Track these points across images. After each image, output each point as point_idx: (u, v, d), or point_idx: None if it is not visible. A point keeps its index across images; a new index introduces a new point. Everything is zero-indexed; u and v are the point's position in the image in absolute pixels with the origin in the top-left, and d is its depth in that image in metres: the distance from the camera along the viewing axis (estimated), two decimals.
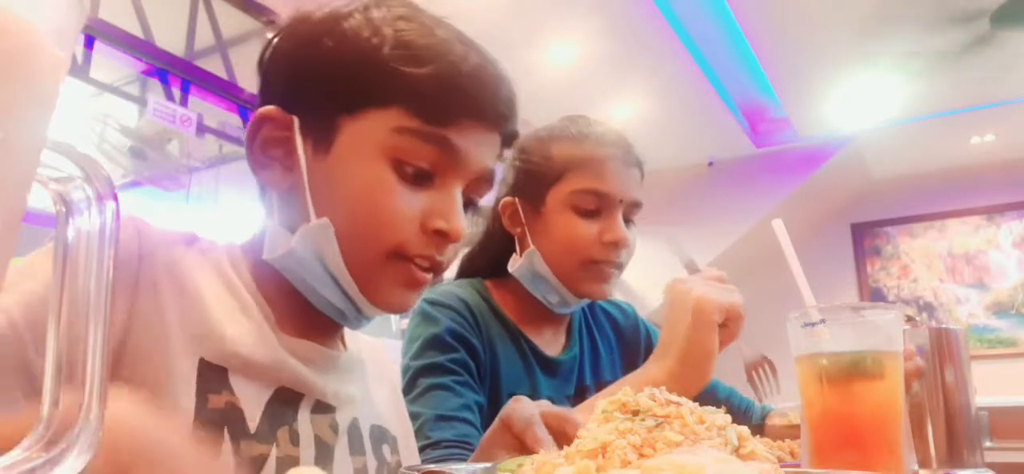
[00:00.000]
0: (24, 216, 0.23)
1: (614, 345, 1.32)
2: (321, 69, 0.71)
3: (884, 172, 5.54)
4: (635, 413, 0.49)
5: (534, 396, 0.88)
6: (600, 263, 1.15)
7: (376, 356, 0.89)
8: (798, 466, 0.69)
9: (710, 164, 5.29)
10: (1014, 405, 4.19)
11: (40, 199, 0.27)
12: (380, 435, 0.82)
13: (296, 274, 0.72)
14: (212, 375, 0.64)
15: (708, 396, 1.35)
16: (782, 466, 0.56)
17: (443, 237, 0.71)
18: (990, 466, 0.79)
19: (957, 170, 5.40)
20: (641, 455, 0.45)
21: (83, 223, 0.27)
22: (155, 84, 2.72)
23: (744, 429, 0.51)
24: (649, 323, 1.39)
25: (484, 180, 0.76)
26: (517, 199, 1.21)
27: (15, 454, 0.25)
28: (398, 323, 3.80)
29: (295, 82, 0.72)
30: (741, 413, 1.35)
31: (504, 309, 1.22)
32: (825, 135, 4.92)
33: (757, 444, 0.50)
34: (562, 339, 1.26)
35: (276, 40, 0.75)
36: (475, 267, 1.29)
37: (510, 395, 0.84)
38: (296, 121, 0.71)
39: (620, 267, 1.18)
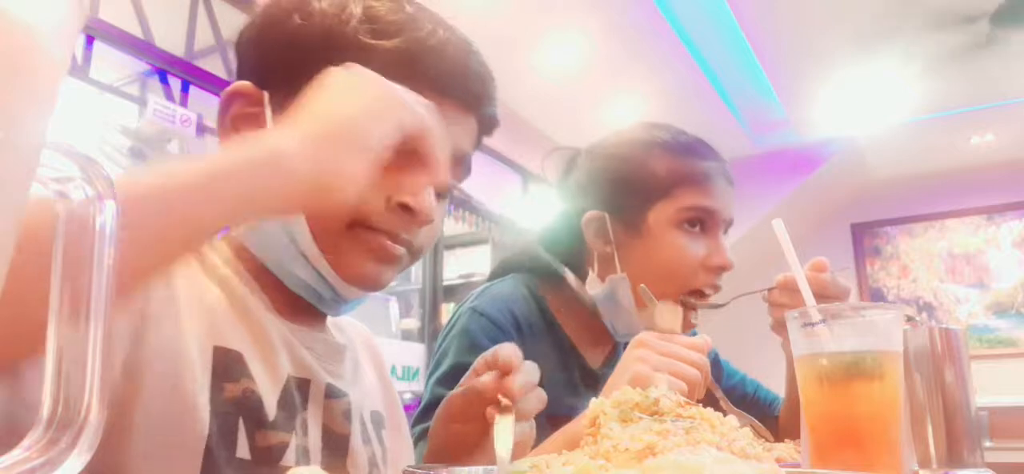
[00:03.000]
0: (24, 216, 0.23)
1: None
2: (289, 45, 0.70)
3: (884, 172, 5.54)
4: (654, 413, 0.49)
5: (575, 410, 0.86)
6: (700, 291, 1.06)
7: (362, 339, 0.88)
8: (798, 466, 0.69)
9: None
10: (1014, 405, 4.19)
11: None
12: (379, 420, 0.81)
13: (268, 254, 0.71)
14: (229, 361, 0.64)
15: (736, 389, 1.34)
16: (782, 466, 0.56)
17: (410, 214, 0.68)
18: (990, 466, 0.79)
19: (957, 170, 5.40)
20: None
21: (83, 223, 0.27)
22: (155, 84, 2.72)
23: (747, 431, 0.51)
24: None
25: (457, 164, 0.73)
26: (608, 216, 1.10)
27: (15, 454, 0.25)
28: (398, 323, 3.79)
29: (265, 58, 0.72)
30: (767, 405, 1.33)
31: (557, 316, 1.13)
32: (825, 135, 4.92)
33: (758, 449, 0.50)
34: (607, 350, 1.20)
35: (251, 22, 0.75)
36: (531, 265, 1.18)
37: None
38: (266, 96, 0.70)
39: (718, 292, 1.08)
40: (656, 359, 0.84)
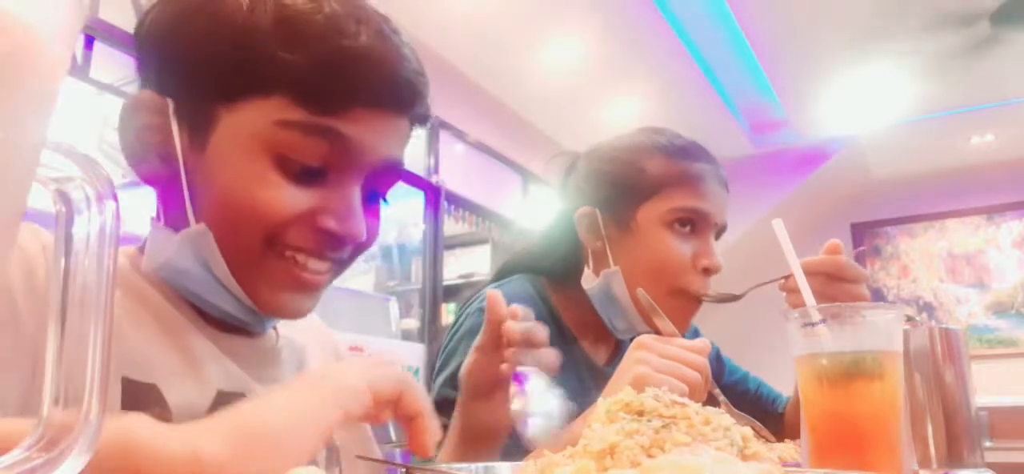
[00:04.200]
0: (24, 216, 0.23)
1: None
2: (194, 51, 0.62)
3: (884, 172, 5.53)
4: (640, 413, 0.49)
5: (583, 407, 0.87)
6: (688, 292, 1.07)
7: (312, 332, 0.82)
8: (799, 466, 0.69)
9: None
10: (1014, 405, 4.19)
11: (40, 199, 0.26)
12: None
13: (181, 286, 0.65)
14: (140, 393, 0.58)
15: (737, 386, 1.34)
16: (783, 466, 0.56)
17: (335, 238, 0.64)
18: (990, 466, 0.79)
19: (957, 170, 5.40)
20: (649, 456, 0.45)
21: (83, 223, 0.27)
22: None
23: (747, 430, 0.51)
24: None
25: (390, 171, 0.67)
26: (598, 211, 1.11)
27: (15, 454, 0.25)
28: (398, 323, 3.79)
29: (167, 64, 0.64)
30: (769, 402, 1.34)
31: (563, 315, 1.14)
32: (825, 135, 4.92)
33: (761, 446, 0.50)
34: (611, 348, 1.20)
35: (151, 13, 0.65)
36: (534, 265, 1.20)
37: None
38: (170, 105, 0.63)
39: (707, 295, 1.09)
40: (657, 361, 0.85)
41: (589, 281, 1.11)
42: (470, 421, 0.84)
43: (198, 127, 0.62)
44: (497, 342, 0.79)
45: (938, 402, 0.78)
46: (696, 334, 1.28)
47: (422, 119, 0.69)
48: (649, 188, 1.08)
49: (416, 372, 3.47)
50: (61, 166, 0.26)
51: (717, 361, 1.34)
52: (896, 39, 3.78)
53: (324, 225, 0.63)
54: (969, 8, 3.53)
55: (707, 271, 1.07)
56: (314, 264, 0.64)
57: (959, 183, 5.43)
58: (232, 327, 0.68)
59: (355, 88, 0.62)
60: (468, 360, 0.83)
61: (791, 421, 1.23)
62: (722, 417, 0.50)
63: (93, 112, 2.55)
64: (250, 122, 0.61)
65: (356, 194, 0.65)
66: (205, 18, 0.62)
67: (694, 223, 1.07)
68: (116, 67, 2.70)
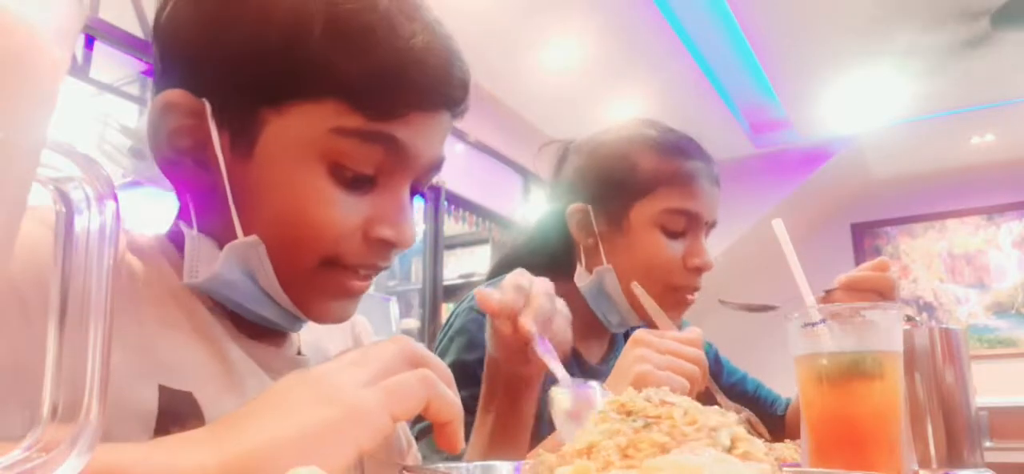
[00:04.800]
0: (24, 216, 0.23)
1: None
2: (237, 50, 0.58)
3: (884, 172, 5.53)
4: (629, 413, 0.49)
5: None
6: (680, 289, 1.08)
7: (339, 334, 0.80)
8: (798, 466, 0.69)
9: None
10: (1014, 405, 4.19)
11: (40, 199, 0.26)
12: None
13: (224, 296, 0.62)
14: (176, 400, 0.56)
15: (736, 387, 1.34)
16: (782, 466, 0.56)
17: (390, 246, 0.62)
18: (990, 466, 0.79)
19: (957, 170, 5.40)
20: (626, 456, 0.45)
21: (83, 223, 0.27)
22: None
23: (740, 430, 0.50)
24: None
25: (433, 169, 0.66)
26: (591, 208, 1.11)
27: (15, 454, 0.25)
28: (398, 323, 3.79)
29: (205, 62, 0.59)
30: (768, 404, 1.34)
31: None
32: (825, 135, 4.92)
33: (754, 444, 0.49)
34: (604, 346, 1.21)
35: (171, 4, 0.61)
36: (527, 262, 1.21)
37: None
38: (207, 107, 0.58)
39: (697, 291, 1.10)
40: (657, 359, 0.85)
41: (582, 278, 1.12)
42: (511, 380, 0.82)
43: (241, 132, 0.58)
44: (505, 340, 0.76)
45: (938, 402, 0.79)
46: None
47: (464, 112, 0.67)
48: (642, 187, 1.08)
49: None
50: (61, 166, 0.26)
51: (716, 362, 1.35)
52: (896, 39, 3.78)
53: (379, 235, 0.61)
54: (969, 8, 3.53)
55: (698, 269, 1.08)
56: (366, 274, 0.63)
57: (959, 183, 5.43)
58: (260, 335, 0.66)
59: (413, 93, 0.59)
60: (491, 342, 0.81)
61: (792, 423, 1.23)
62: (709, 417, 0.50)
63: (93, 112, 2.55)
64: (302, 129, 0.57)
65: (407, 197, 0.63)
66: (249, 16, 0.58)
67: (686, 223, 1.08)
68: (116, 67, 2.70)
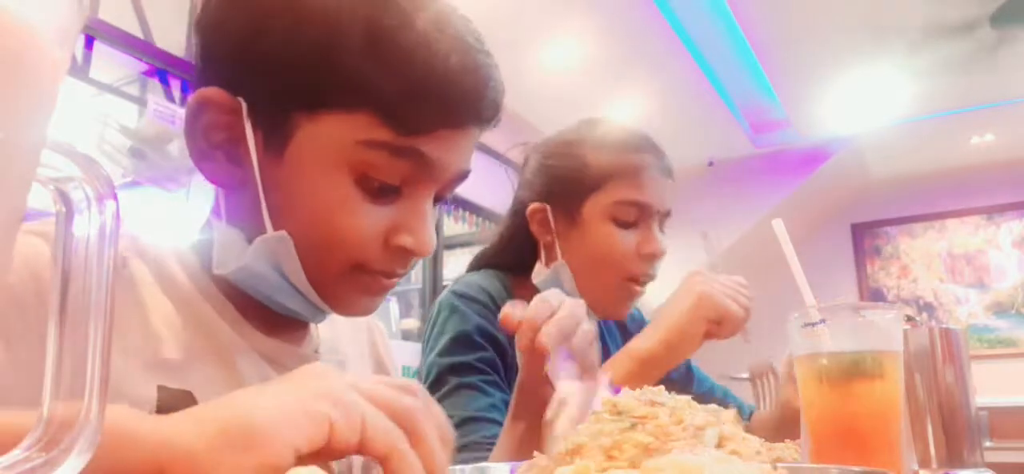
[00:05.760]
0: (24, 216, 0.23)
1: (622, 345, 1.32)
2: (275, 54, 0.59)
3: (884, 172, 5.54)
4: (620, 413, 0.49)
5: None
6: (636, 277, 1.12)
7: (354, 335, 0.82)
8: (798, 466, 0.69)
9: (710, 164, 5.29)
10: (1014, 405, 4.19)
11: (40, 199, 0.27)
12: None
13: (250, 286, 0.64)
14: (176, 402, 0.56)
15: (705, 397, 1.35)
16: (782, 466, 0.56)
17: (409, 254, 0.64)
18: (990, 466, 0.79)
19: (957, 170, 5.41)
20: (610, 457, 0.45)
21: (83, 223, 0.27)
22: (155, 84, 2.72)
23: (729, 429, 0.50)
24: None
25: (459, 180, 0.68)
26: (549, 207, 1.16)
27: (15, 454, 0.25)
28: (398, 323, 3.79)
29: (242, 63, 0.61)
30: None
31: None
32: (825, 135, 4.92)
33: (744, 443, 0.49)
34: None
35: (221, 5, 0.63)
36: (495, 263, 1.25)
37: None
38: (243, 106, 0.60)
39: (652, 279, 1.15)
40: (718, 285, 0.98)
41: (539, 274, 1.16)
42: (536, 400, 0.81)
43: (275, 133, 0.60)
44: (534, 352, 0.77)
45: (938, 402, 0.79)
46: (641, 320, 1.31)
47: (495, 126, 0.68)
48: (593, 181, 1.13)
49: (416, 372, 3.47)
50: (61, 166, 0.26)
51: (687, 372, 1.37)
52: (896, 39, 3.78)
53: (399, 243, 0.62)
54: (969, 8, 3.53)
55: (652, 257, 1.12)
56: (388, 281, 0.65)
57: (959, 183, 5.43)
58: (278, 330, 0.67)
59: (444, 112, 0.61)
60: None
61: (756, 431, 1.24)
62: (697, 415, 0.50)
63: (93, 112, 2.55)
64: (333, 137, 0.59)
65: (429, 209, 0.64)
66: (289, 20, 0.59)
67: (637, 214, 1.12)
68: (116, 67, 2.70)
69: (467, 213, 3.99)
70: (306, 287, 0.63)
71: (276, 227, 0.61)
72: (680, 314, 1.00)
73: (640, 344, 1.02)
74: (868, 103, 4.50)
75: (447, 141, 0.62)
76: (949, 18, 3.61)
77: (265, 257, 0.61)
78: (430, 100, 0.59)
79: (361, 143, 0.59)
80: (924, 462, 0.77)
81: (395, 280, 0.66)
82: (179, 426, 0.43)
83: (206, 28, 0.64)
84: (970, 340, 2.72)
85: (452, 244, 4.10)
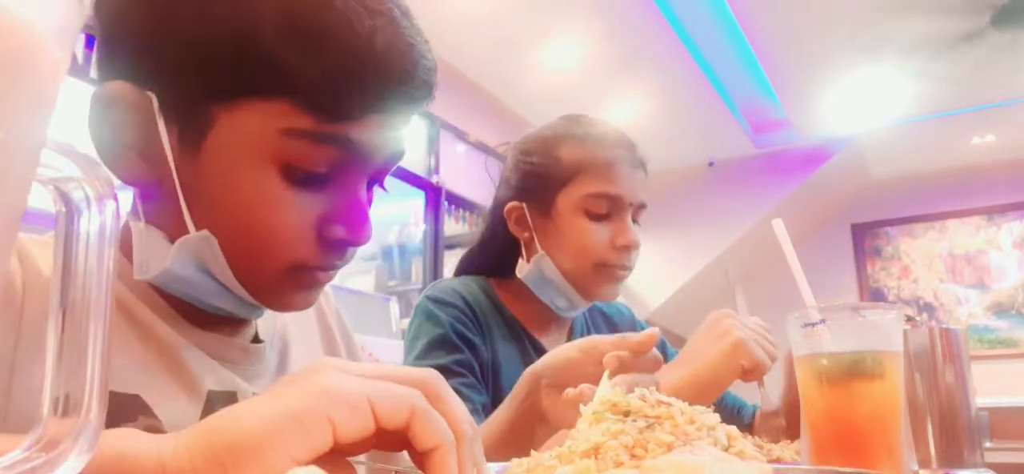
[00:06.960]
0: (24, 216, 0.23)
1: None
2: (184, 41, 0.55)
3: (884, 172, 5.53)
4: (626, 414, 0.49)
5: None
6: (612, 267, 1.15)
7: (301, 319, 0.78)
8: (798, 465, 0.69)
9: (710, 164, 5.29)
10: (1014, 405, 4.19)
11: (40, 199, 0.27)
12: None
13: (177, 289, 0.61)
14: (124, 404, 0.55)
15: None
16: (783, 466, 0.56)
17: (344, 244, 0.61)
18: (990, 466, 0.79)
19: (957, 170, 5.40)
20: (633, 456, 0.45)
21: (83, 223, 0.27)
22: None
23: (733, 429, 0.51)
24: (646, 324, 1.38)
25: (393, 163, 0.63)
26: (524, 204, 1.19)
27: (15, 454, 0.25)
28: (398, 323, 3.79)
29: (150, 53, 0.56)
30: (734, 411, 1.35)
31: (509, 308, 1.21)
32: (825, 135, 4.92)
33: (746, 443, 0.50)
34: (564, 339, 1.26)
35: None
36: (477, 266, 1.28)
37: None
38: (155, 101, 0.56)
39: (630, 269, 1.17)
40: (749, 332, 0.97)
41: (523, 269, 1.19)
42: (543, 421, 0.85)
43: (190, 127, 0.56)
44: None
45: (938, 402, 0.79)
46: (634, 326, 1.32)
47: (429, 102, 0.64)
48: (564, 176, 1.15)
49: None
50: (61, 166, 0.26)
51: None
52: (896, 39, 3.78)
53: (334, 235, 0.59)
54: (969, 8, 3.53)
55: (626, 248, 1.14)
56: (325, 274, 0.62)
57: (959, 183, 5.43)
58: (214, 325, 0.65)
59: (370, 96, 0.56)
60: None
61: (761, 430, 1.24)
62: (707, 416, 0.50)
63: None
64: (252, 127, 0.55)
65: (362, 196, 0.61)
66: (197, 2, 0.55)
67: (609, 206, 1.14)
68: None
69: (467, 213, 3.99)
70: (236, 287, 0.59)
71: (199, 226, 0.57)
72: (714, 356, 1.00)
73: (667, 377, 1.00)
74: (868, 103, 4.50)
75: (376, 126, 0.58)
76: (950, 19, 3.61)
77: (189, 259, 0.58)
78: (354, 84, 0.55)
79: (281, 132, 0.55)
80: (924, 462, 0.77)
81: (333, 273, 0.63)
82: (174, 446, 0.41)
83: (107, 14, 0.58)
84: (970, 340, 2.72)
85: (452, 244, 4.10)
